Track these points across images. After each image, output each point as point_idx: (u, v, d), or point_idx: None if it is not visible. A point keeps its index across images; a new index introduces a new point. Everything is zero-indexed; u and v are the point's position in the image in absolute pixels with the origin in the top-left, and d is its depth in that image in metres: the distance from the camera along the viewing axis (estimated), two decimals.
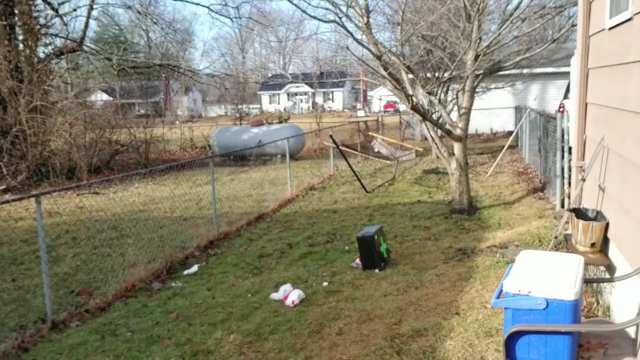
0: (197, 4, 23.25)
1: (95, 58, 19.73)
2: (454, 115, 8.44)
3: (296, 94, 61.50)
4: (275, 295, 4.89)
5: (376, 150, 15.67)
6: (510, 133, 17.86)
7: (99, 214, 9.28)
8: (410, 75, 8.19)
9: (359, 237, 5.54)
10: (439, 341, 3.69)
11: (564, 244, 5.03)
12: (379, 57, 7.04)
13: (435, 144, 8.40)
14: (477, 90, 10.45)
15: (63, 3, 16.27)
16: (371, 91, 53.31)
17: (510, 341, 2.81)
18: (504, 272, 3.54)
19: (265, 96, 62.59)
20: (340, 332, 4.03)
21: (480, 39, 7.69)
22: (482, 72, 8.60)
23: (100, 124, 15.63)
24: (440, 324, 3.96)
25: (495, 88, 15.76)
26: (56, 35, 16.63)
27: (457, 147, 7.93)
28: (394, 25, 10.11)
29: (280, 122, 22.07)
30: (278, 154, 15.69)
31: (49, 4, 15.72)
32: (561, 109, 10.03)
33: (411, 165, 13.89)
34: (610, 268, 3.83)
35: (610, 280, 3.62)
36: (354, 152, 14.97)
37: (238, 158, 15.87)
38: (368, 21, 7.00)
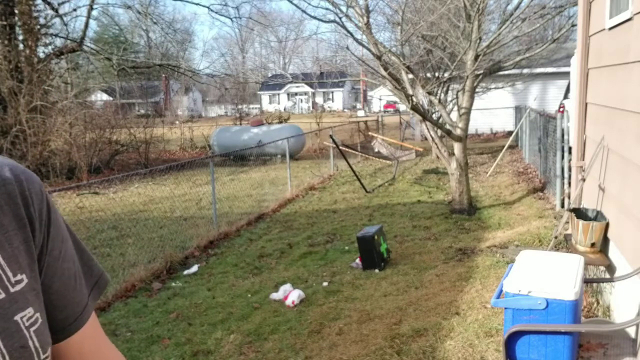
0: (197, 4, 23.26)
1: (95, 58, 19.73)
2: (454, 115, 8.44)
3: (296, 94, 61.48)
4: (275, 295, 4.88)
5: (376, 150, 15.67)
6: (510, 133, 17.86)
7: (99, 214, 9.27)
8: (410, 75, 8.19)
9: (359, 237, 5.54)
10: (439, 341, 3.69)
11: (564, 244, 5.03)
12: (379, 57, 7.04)
13: (435, 144, 8.40)
14: (477, 90, 10.45)
15: (63, 3, 16.27)
16: (371, 91, 53.29)
17: (510, 341, 2.81)
18: (504, 272, 3.54)
19: (265, 96, 62.58)
20: (340, 332, 4.03)
21: (480, 39, 7.69)
22: (482, 72, 8.60)
23: (100, 124, 15.62)
24: (440, 324, 3.96)
25: (495, 88, 15.76)
26: (56, 35, 16.63)
27: (457, 147, 7.93)
28: (394, 25, 10.11)
29: (280, 122, 22.06)
30: (278, 154, 15.69)
31: (49, 4, 15.72)
32: (561, 109, 10.03)
33: (411, 165, 13.89)
34: (610, 268, 3.83)
35: (610, 280, 3.62)
36: (354, 152, 14.96)
37: (238, 158, 15.86)
38: (368, 21, 7.00)
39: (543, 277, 2.87)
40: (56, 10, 15.92)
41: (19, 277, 0.68)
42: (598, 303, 4.01)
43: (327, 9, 6.95)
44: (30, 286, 0.70)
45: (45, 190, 0.76)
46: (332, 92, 62.07)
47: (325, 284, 5.19)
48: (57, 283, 0.75)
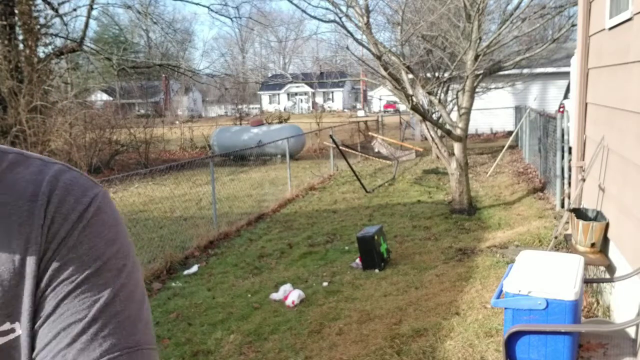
0: (197, 4, 23.17)
1: (95, 58, 19.71)
2: (454, 115, 8.44)
3: (296, 94, 61.46)
4: (275, 295, 4.89)
5: (376, 150, 15.67)
6: (510, 133, 17.86)
7: None
8: (410, 75, 8.19)
9: (359, 237, 5.54)
10: (439, 341, 3.69)
11: (564, 244, 5.03)
12: (379, 57, 7.04)
13: (435, 144, 8.40)
14: (477, 90, 10.45)
15: (63, 3, 16.26)
16: (371, 91, 53.29)
17: (510, 341, 2.81)
18: (504, 272, 3.54)
19: (265, 96, 62.57)
20: (340, 332, 4.03)
21: (480, 39, 7.69)
22: (482, 72, 8.60)
23: (100, 124, 15.64)
24: (440, 324, 3.96)
25: (495, 88, 15.76)
26: (56, 35, 16.62)
27: (457, 147, 7.93)
28: (394, 25, 10.11)
29: (280, 122, 22.06)
30: (278, 154, 15.69)
31: (49, 4, 15.71)
32: (561, 109, 10.03)
33: (411, 165, 13.88)
34: (610, 268, 3.83)
35: (610, 280, 3.62)
36: (354, 152, 14.96)
37: (238, 158, 15.86)
38: (368, 21, 7.00)
39: (543, 277, 2.87)
40: (56, 10, 15.91)
41: (7, 325, 0.52)
42: (598, 303, 4.01)
43: (327, 9, 6.96)
44: (19, 341, 0.54)
45: (87, 208, 0.59)
46: (332, 92, 62.06)
47: (325, 284, 5.19)
48: (44, 330, 0.55)
